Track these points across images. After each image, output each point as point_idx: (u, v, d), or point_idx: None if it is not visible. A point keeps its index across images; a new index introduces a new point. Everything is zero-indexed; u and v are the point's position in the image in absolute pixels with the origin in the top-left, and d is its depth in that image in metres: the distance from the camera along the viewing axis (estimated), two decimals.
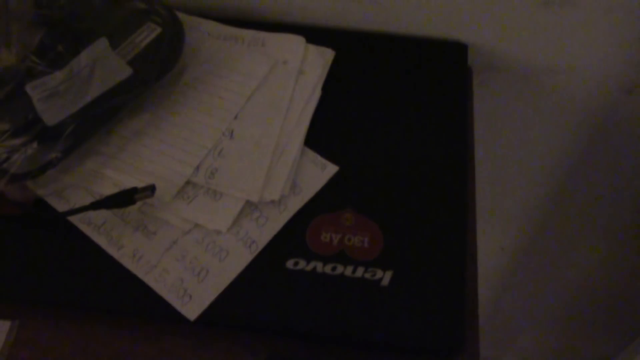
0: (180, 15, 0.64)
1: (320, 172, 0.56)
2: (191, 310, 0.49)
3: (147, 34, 0.59)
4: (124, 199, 0.52)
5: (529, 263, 1.07)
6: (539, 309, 1.21)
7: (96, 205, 0.53)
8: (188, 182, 0.55)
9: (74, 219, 0.53)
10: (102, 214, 0.53)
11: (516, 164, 0.85)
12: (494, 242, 1.04)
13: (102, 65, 0.55)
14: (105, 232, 0.53)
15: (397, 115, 0.60)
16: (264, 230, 0.52)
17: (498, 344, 1.42)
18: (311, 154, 0.57)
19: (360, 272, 0.51)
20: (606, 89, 0.71)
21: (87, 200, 0.54)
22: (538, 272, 1.09)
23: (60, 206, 0.54)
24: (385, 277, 0.51)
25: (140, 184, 0.53)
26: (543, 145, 0.81)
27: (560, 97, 0.73)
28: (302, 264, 0.51)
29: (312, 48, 0.64)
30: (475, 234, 0.57)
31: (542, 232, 0.98)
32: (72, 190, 0.55)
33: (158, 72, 0.59)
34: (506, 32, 0.66)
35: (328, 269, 0.51)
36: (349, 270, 0.51)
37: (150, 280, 0.50)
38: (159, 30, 0.60)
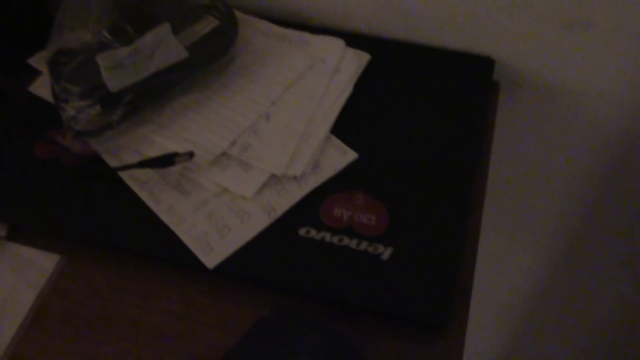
0: (238, 14, 0.72)
1: (341, 156, 0.62)
2: (211, 260, 0.56)
3: (206, 25, 0.68)
4: (166, 160, 0.60)
5: (555, 288, 1.09)
6: (564, 336, 1.22)
7: (142, 164, 0.61)
8: (224, 153, 0.62)
9: (123, 174, 0.62)
10: (147, 173, 0.61)
11: (541, 185, 0.89)
12: (520, 263, 1.06)
13: (163, 46, 0.64)
14: (148, 188, 0.61)
15: (418, 116, 0.66)
16: (283, 200, 0.59)
17: None
18: (335, 141, 0.63)
19: (364, 245, 0.57)
20: (631, 114, 0.75)
21: (136, 160, 0.62)
22: (564, 297, 1.11)
23: (113, 162, 0.63)
24: (386, 253, 0.56)
25: (182, 150, 0.61)
26: (568, 167, 0.85)
27: (585, 119, 0.77)
28: (312, 233, 0.57)
29: (350, 50, 0.71)
30: (479, 230, 0.61)
31: (568, 255, 1.00)
32: (124, 150, 0.63)
33: (211, 58, 0.68)
34: (532, 51, 0.71)
35: (335, 239, 0.57)
36: (354, 243, 0.57)
37: (180, 231, 0.58)
38: (216, 23, 0.68)
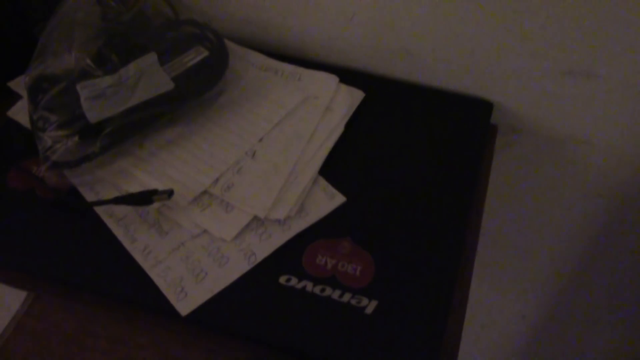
0: (229, 44, 0.70)
1: (328, 200, 0.59)
2: (184, 307, 0.52)
3: (195, 55, 0.65)
4: (144, 198, 0.57)
5: (550, 333, 1.06)
6: None
7: (119, 200, 0.58)
8: (205, 192, 0.59)
9: (98, 210, 0.59)
10: (123, 209, 0.59)
11: (537, 230, 0.86)
12: (515, 309, 1.03)
13: (147, 77, 0.61)
14: (124, 225, 0.58)
15: (412, 159, 0.64)
16: (265, 245, 0.56)
17: None
18: (323, 183, 0.61)
19: (347, 297, 0.54)
20: (629, 164, 0.72)
21: (114, 195, 0.59)
22: (558, 344, 1.08)
23: (90, 196, 0.60)
24: (370, 306, 0.53)
25: (162, 187, 0.58)
26: (564, 213, 0.82)
27: (581, 168, 0.74)
28: (294, 282, 0.54)
29: (344, 87, 0.68)
30: (469, 283, 0.58)
31: (562, 303, 0.97)
32: (102, 184, 0.60)
33: (198, 90, 0.65)
34: (532, 96, 0.68)
35: (317, 289, 0.54)
36: (336, 294, 0.54)
37: (154, 274, 0.55)
38: (206, 53, 0.66)
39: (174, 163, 0.61)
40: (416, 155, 0.64)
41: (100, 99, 0.59)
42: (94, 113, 0.59)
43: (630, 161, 0.72)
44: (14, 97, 0.69)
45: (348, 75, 0.70)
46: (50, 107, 0.60)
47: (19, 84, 0.69)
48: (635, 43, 0.60)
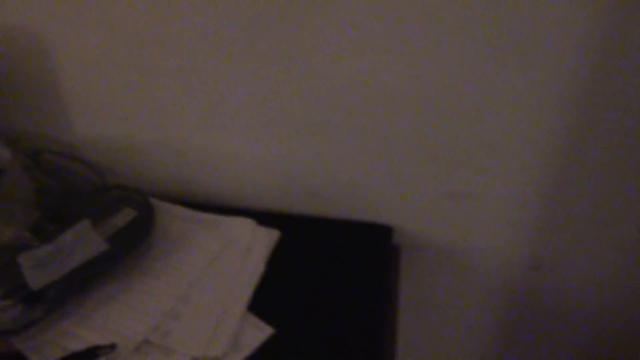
0: (155, 202, 0.78)
1: (258, 332, 0.66)
2: None
3: (125, 216, 0.73)
4: (89, 355, 0.62)
5: None
6: None
7: None
8: (145, 340, 0.65)
9: None
10: None
11: (452, 338, 0.95)
12: None
13: (83, 241, 0.68)
14: None
15: (327, 287, 0.72)
16: None
17: None
18: (252, 318, 0.68)
19: None
20: (514, 267, 0.84)
21: (60, 355, 0.64)
22: None
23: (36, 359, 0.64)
24: None
25: (105, 341, 0.63)
26: (471, 319, 0.92)
27: (477, 274, 0.85)
28: None
29: (261, 229, 0.77)
30: None
31: None
32: (48, 346, 0.65)
33: (130, 247, 0.72)
34: (423, 217, 0.80)
35: None
36: None
37: None
38: (134, 213, 0.73)
39: (114, 316, 0.67)
40: (331, 282, 0.73)
41: (40, 267, 0.65)
42: (35, 281, 0.64)
43: (517, 264, 0.83)
44: None
45: (263, 217, 0.79)
46: None
47: None
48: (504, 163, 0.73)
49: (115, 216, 0.73)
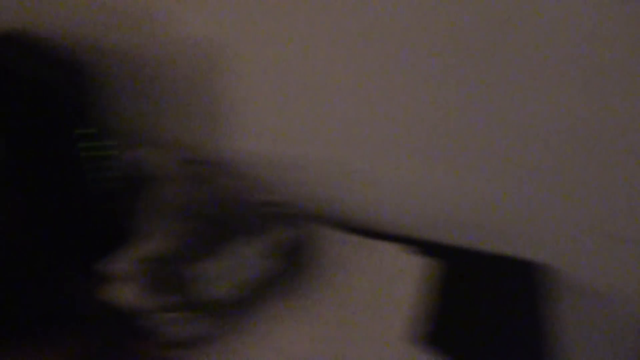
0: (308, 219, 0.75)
1: None
2: None
3: (285, 234, 0.70)
4: None
5: None
6: None
7: None
8: None
9: None
10: None
11: None
12: None
13: (247, 261, 0.65)
14: None
15: (487, 321, 0.68)
16: None
17: None
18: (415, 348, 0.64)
19: None
20: None
21: None
22: None
23: None
24: None
25: None
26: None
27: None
28: None
29: (418, 257, 0.74)
30: None
31: None
32: None
33: (294, 266, 0.69)
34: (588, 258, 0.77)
35: None
36: None
37: None
38: (294, 232, 0.70)
39: (285, 337, 0.63)
40: (493, 317, 0.69)
41: (210, 281, 0.62)
42: (204, 295, 0.61)
43: None
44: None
45: (420, 245, 0.76)
46: (159, 288, 0.62)
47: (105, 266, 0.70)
48: None
49: (274, 233, 0.70)
